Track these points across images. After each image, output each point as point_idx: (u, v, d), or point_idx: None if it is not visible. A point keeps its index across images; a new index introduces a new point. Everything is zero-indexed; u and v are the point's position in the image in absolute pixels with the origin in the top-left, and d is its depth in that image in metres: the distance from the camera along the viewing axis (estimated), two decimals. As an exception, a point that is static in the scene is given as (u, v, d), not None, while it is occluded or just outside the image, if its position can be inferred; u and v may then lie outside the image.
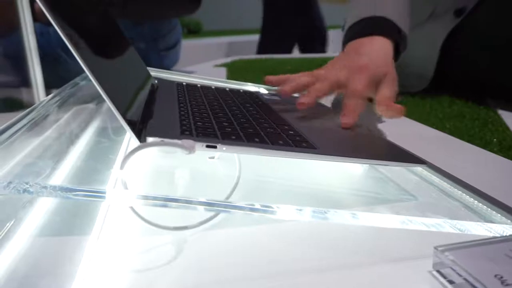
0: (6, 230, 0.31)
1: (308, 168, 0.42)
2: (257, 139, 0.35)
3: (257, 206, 0.27)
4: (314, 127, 0.45)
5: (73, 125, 0.52)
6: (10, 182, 0.25)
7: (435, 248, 0.27)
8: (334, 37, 2.72)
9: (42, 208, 0.35)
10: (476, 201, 0.33)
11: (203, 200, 0.26)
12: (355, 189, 0.40)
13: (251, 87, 0.79)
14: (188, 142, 0.30)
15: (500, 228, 0.30)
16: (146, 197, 0.26)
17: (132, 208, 0.30)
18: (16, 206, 0.34)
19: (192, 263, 0.30)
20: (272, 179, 0.41)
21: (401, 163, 0.36)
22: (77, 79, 0.59)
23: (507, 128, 0.62)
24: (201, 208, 0.26)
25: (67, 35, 0.27)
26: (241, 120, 0.41)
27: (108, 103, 0.30)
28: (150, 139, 0.30)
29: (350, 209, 0.36)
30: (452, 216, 0.31)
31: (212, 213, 0.34)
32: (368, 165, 0.41)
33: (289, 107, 0.54)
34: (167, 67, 1.31)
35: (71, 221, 0.35)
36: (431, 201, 0.35)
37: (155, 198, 0.26)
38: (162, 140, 0.30)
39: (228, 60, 1.69)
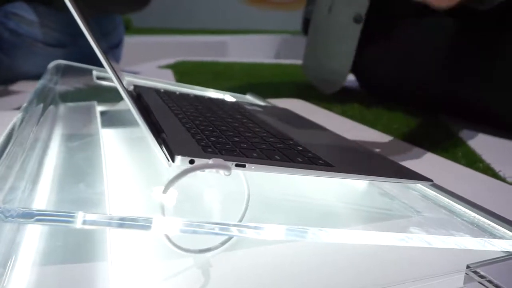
0: (11, 262, 0.27)
1: (309, 183, 0.42)
2: (277, 157, 0.34)
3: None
4: (313, 142, 0.45)
5: (44, 133, 0.47)
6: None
7: (468, 265, 0.28)
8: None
9: (37, 230, 0.32)
10: (483, 218, 0.35)
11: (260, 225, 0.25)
12: (361, 205, 0.40)
13: (213, 93, 0.78)
14: (220, 161, 0.29)
15: (507, 244, 0.32)
16: (199, 225, 0.24)
17: (166, 234, 0.28)
18: (11, 229, 0.30)
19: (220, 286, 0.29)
20: (279, 195, 0.40)
21: (411, 181, 0.37)
22: (48, 84, 0.54)
23: (465, 141, 0.67)
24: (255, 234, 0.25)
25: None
26: (247, 134, 0.40)
27: (140, 122, 0.28)
28: (178, 158, 0.29)
29: (355, 226, 0.37)
30: (458, 232, 0.32)
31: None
32: (369, 182, 0.42)
33: (275, 119, 0.53)
34: (111, 67, 1.24)
35: (75, 244, 0.31)
36: (437, 218, 0.37)
37: (200, 225, 0.24)
38: (192, 160, 0.29)
39: (171, 61, 1.65)
